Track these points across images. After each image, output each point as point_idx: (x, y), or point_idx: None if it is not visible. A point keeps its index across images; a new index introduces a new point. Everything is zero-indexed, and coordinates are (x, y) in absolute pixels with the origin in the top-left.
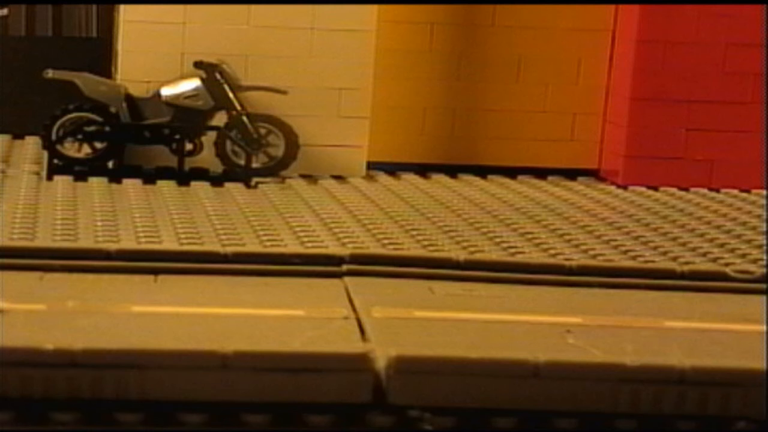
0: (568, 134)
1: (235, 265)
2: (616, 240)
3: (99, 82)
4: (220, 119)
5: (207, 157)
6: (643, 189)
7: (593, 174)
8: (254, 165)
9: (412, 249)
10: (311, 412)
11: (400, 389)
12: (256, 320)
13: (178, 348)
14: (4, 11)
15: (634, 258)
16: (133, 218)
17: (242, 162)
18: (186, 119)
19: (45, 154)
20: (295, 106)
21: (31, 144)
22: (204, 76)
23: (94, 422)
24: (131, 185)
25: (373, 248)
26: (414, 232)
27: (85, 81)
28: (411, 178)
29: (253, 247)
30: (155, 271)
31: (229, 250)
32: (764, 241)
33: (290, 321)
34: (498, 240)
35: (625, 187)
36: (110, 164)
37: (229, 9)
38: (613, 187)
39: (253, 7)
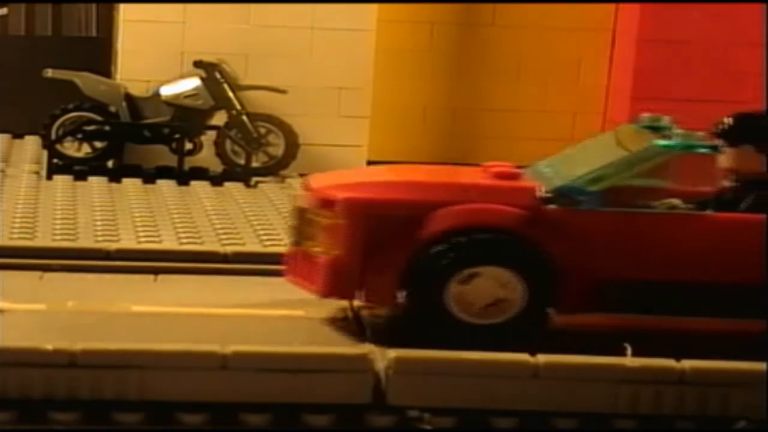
0: (568, 134)
1: (235, 265)
2: None
3: (99, 82)
4: (219, 118)
5: (207, 157)
6: None
7: None
8: (254, 164)
9: None
10: (311, 412)
11: (399, 389)
12: (256, 320)
13: (178, 348)
14: (4, 10)
15: None
16: (132, 218)
17: (242, 161)
18: (186, 118)
19: (45, 153)
20: (295, 105)
21: (31, 143)
22: (204, 75)
23: (94, 422)
24: (131, 185)
25: None
26: None
27: (85, 80)
28: None
29: (253, 246)
30: (155, 271)
31: (229, 249)
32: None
33: (290, 321)
34: None
35: None
36: (110, 164)
37: (229, 8)
38: None
39: (253, 7)
